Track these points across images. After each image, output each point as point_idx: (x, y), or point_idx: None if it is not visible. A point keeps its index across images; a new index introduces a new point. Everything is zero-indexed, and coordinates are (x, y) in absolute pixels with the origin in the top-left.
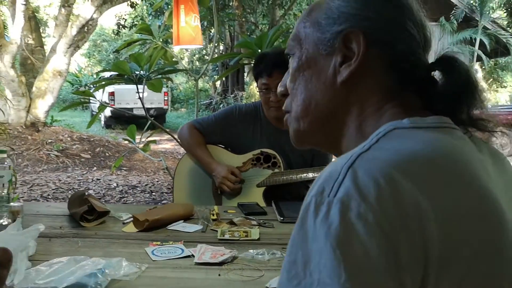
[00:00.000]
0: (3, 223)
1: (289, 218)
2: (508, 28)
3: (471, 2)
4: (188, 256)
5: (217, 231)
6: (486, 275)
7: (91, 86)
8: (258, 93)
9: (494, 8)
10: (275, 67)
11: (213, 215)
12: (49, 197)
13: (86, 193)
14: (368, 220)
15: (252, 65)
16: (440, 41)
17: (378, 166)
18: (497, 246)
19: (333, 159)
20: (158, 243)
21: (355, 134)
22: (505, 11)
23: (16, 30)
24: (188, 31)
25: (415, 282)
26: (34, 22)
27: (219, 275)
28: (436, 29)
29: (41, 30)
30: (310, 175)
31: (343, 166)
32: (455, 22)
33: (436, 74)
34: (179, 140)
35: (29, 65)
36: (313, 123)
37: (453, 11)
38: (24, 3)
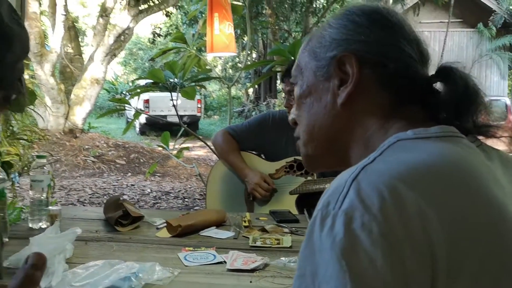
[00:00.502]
0: (42, 226)
1: None
2: None
3: (510, 7)
4: (220, 263)
5: (249, 238)
6: (494, 283)
7: (127, 93)
8: None
9: None
10: (287, 74)
11: (245, 222)
12: (86, 201)
13: (121, 198)
14: (372, 231)
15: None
16: (478, 47)
17: (381, 178)
18: (506, 253)
19: None
20: (191, 248)
21: (362, 151)
22: None
23: (56, 40)
24: (222, 39)
25: None
26: (73, 31)
27: (251, 282)
28: (474, 36)
29: (79, 39)
30: None
31: (347, 179)
32: (493, 28)
33: (438, 86)
34: (212, 147)
35: (68, 73)
36: (318, 147)
37: (491, 17)
38: (64, 13)
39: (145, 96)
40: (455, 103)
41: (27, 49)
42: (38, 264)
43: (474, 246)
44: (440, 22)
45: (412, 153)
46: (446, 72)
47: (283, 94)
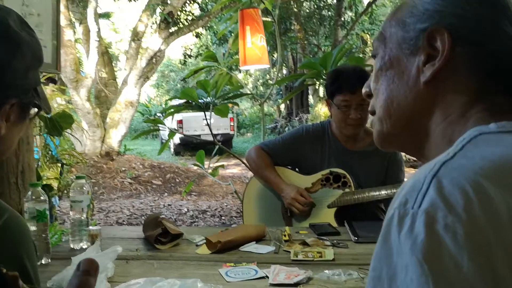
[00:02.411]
0: (83, 247)
1: (364, 238)
2: None
3: None
4: (263, 277)
5: (289, 252)
6: None
7: (161, 114)
8: (323, 113)
9: None
10: (359, 84)
11: (285, 236)
12: (124, 223)
13: (160, 216)
14: (457, 232)
15: (327, 81)
16: None
17: (465, 174)
18: None
19: (405, 179)
20: (232, 264)
21: (440, 139)
22: None
23: (90, 65)
24: (254, 52)
25: None
26: (107, 57)
27: None
28: None
29: (113, 64)
30: (383, 193)
31: (426, 175)
32: None
33: None
34: (247, 163)
35: (103, 98)
36: (396, 125)
37: None
38: (97, 39)
39: (178, 116)
40: None
41: (39, 58)
42: (91, 269)
43: None
44: None
45: (496, 148)
46: None
47: (343, 105)
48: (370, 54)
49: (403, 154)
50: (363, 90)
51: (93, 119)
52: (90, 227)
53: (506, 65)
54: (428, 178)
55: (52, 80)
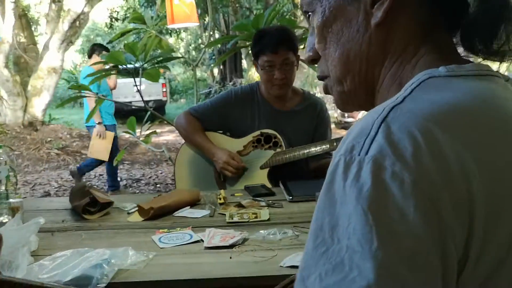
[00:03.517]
0: (3, 221)
1: (298, 197)
2: None
3: None
4: (197, 241)
5: (225, 214)
6: None
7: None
8: (257, 78)
9: None
10: (280, 44)
11: (220, 199)
12: (53, 196)
13: (87, 185)
14: (404, 180)
15: (251, 43)
16: None
17: (414, 120)
18: None
19: (332, 137)
20: (165, 230)
21: (390, 84)
22: None
23: (7, 29)
24: (182, 9)
25: (458, 248)
26: (25, 20)
27: (231, 257)
28: None
29: (33, 28)
30: (313, 150)
31: (375, 120)
32: None
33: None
34: (176, 130)
35: (23, 64)
36: (356, 79)
37: None
38: (13, 0)
39: None
40: (491, 21)
41: None
42: None
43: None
44: None
45: (446, 93)
46: None
47: (267, 66)
48: (302, 11)
49: (334, 115)
50: (306, 55)
51: (12, 87)
52: (10, 200)
53: None
54: (376, 123)
55: None
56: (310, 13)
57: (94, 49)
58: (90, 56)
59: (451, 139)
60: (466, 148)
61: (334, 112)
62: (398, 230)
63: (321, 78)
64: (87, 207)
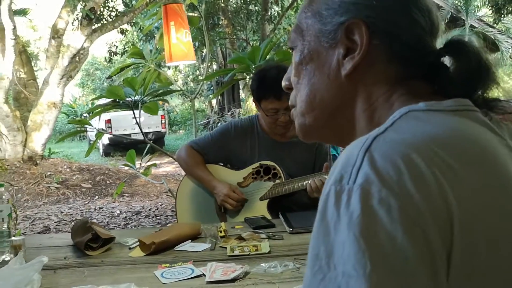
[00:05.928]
0: (6, 259)
1: (298, 228)
2: (495, 25)
3: (456, 2)
4: (199, 276)
5: (226, 248)
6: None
7: (87, 114)
8: (255, 109)
9: (479, 6)
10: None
11: (220, 232)
12: (52, 230)
13: (90, 221)
14: (391, 206)
15: (251, 82)
16: None
17: (395, 148)
18: None
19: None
20: (167, 265)
21: (367, 123)
22: (490, 8)
23: (7, 66)
24: (180, 47)
25: (443, 265)
26: (25, 56)
27: None
28: None
29: (32, 64)
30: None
31: (360, 149)
32: (442, 23)
33: (447, 60)
34: (178, 163)
35: (23, 99)
36: (318, 118)
37: (439, 13)
38: (13, 37)
39: (106, 116)
40: (466, 79)
41: None
42: None
43: (487, 220)
44: None
45: (426, 125)
46: (458, 46)
47: (273, 112)
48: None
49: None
50: (283, 83)
51: (12, 122)
52: (13, 238)
53: (419, 53)
54: (361, 153)
55: None
56: (293, 48)
57: None
58: None
59: (429, 168)
60: (444, 176)
61: None
62: (388, 252)
63: (290, 105)
64: (89, 243)
